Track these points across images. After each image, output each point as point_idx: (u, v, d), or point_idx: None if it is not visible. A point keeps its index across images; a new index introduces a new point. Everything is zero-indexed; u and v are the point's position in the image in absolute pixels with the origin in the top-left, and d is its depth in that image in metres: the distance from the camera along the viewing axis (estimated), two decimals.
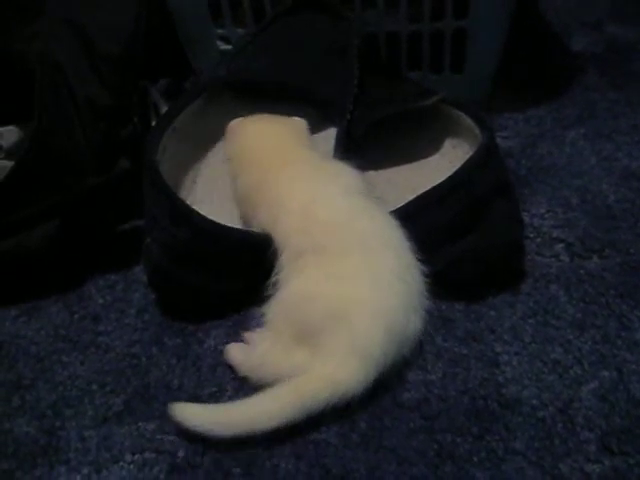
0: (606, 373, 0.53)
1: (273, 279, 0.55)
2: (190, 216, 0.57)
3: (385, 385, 0.53)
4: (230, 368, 0.56)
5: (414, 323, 0.53)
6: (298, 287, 0.53)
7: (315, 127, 0.69)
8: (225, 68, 0.72)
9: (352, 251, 0.53)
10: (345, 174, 0.59)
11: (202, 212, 0.58)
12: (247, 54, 0.73)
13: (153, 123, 0.73)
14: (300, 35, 0.72)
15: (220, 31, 0.81)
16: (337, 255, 0.53)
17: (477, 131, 0.64)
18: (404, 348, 0.52)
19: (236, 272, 0.58)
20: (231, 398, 0.54)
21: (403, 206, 0.58)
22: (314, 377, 0.50)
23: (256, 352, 0.54)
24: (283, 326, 0.53)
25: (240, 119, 0.64)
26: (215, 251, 0.57)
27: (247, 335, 0.57)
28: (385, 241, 0.54)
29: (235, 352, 0.56)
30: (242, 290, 0.59)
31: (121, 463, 0.51)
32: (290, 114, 0.65)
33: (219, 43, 0.82)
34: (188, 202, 0.65)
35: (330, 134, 0.68)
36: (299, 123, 0.64)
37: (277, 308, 0.54)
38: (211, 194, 0.67)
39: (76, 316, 0.63)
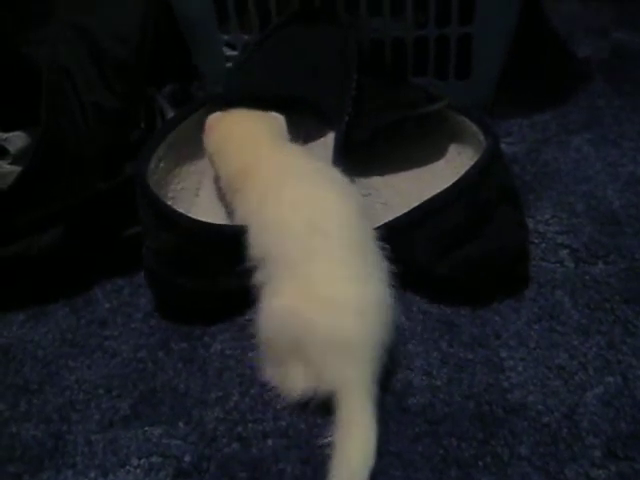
0: (611, 379, 0.53)
1: (254, 287, 0.54)
2: (174, 218, 0.57)
3: (390, 390, 0.53)
4: (236, 373, 0.56)
5: (382, 293, 0.52)
6: (269, 304, 0.52)
7: (315, 134, 0.70)
8: (221, 85, 0.72)
9: (302, 247, 0.52)
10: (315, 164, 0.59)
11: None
12: (245, 68, 0.73)
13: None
14: (298, 45, 0.73)
15: (226, 37, 0.81)
16: (291, 255, 0.52)
17: (482, 137, 0.64)
18: (387, 323, 0.52)
19: (226, 270, 0.58)
20: (237, 403, 0.54)
21: (408, 212, 0.59)
22: (352, 398, 0.49)
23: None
24: (270, 343, 0.53)
25: (218, 114, 0.64)
26: (202, 250, 0.58)
27: None
28: (330, 224, 0.53)
29: None
30: (238, 290, 0.58)
31: (127, 467, 0.51)
32: (289, 124, 0.65)
33: (225, 49, 0.82)
34: (192, 214, 0.65)
35: (330, 139, 0.68)
36: (276, 117, 0.64)
37: (259, 327, 0.53)
38: (214, 205, 0.68)
39: (83, 320, 0.63)
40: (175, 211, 0.59)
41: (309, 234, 0.52)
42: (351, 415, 0.48)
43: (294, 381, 0.51)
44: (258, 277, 0.54)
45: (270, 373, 0.54)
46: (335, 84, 0.69)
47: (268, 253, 0.53)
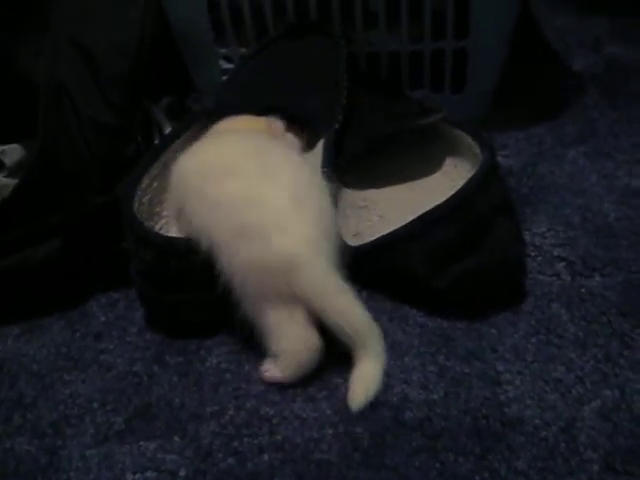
0: (608, 392, 0.53)
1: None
2: (148, 237, 0.58)
3: (387, 404, 0.53)
4: (232, 387, 0.56)
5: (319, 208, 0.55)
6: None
7: (307, 145, 0.70)
8: (214, 100, 0.72)
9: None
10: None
11: None
12: (235, 84, 0.74)
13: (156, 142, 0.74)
14: (290, 57, 0.74)
15: (223, 50, 0.81)
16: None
17: (478, 150, 0.64)
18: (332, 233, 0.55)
19: (205, 281, 0.56)
20: (233, 417, 0.54)
21: (404, 225, 0.59)
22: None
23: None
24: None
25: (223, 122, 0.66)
26: (177, 264, 0.58)
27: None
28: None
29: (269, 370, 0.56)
30: (223, 300, 0.58)
31: None
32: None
33: (222, 62, 0.82)
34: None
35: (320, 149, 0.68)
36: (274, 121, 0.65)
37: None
38: None
39: (78, 334, 0.63)
40: (148, 230, 0.59)
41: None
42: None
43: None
44: None
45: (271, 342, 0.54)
46: (325, 94, 0.69)
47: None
